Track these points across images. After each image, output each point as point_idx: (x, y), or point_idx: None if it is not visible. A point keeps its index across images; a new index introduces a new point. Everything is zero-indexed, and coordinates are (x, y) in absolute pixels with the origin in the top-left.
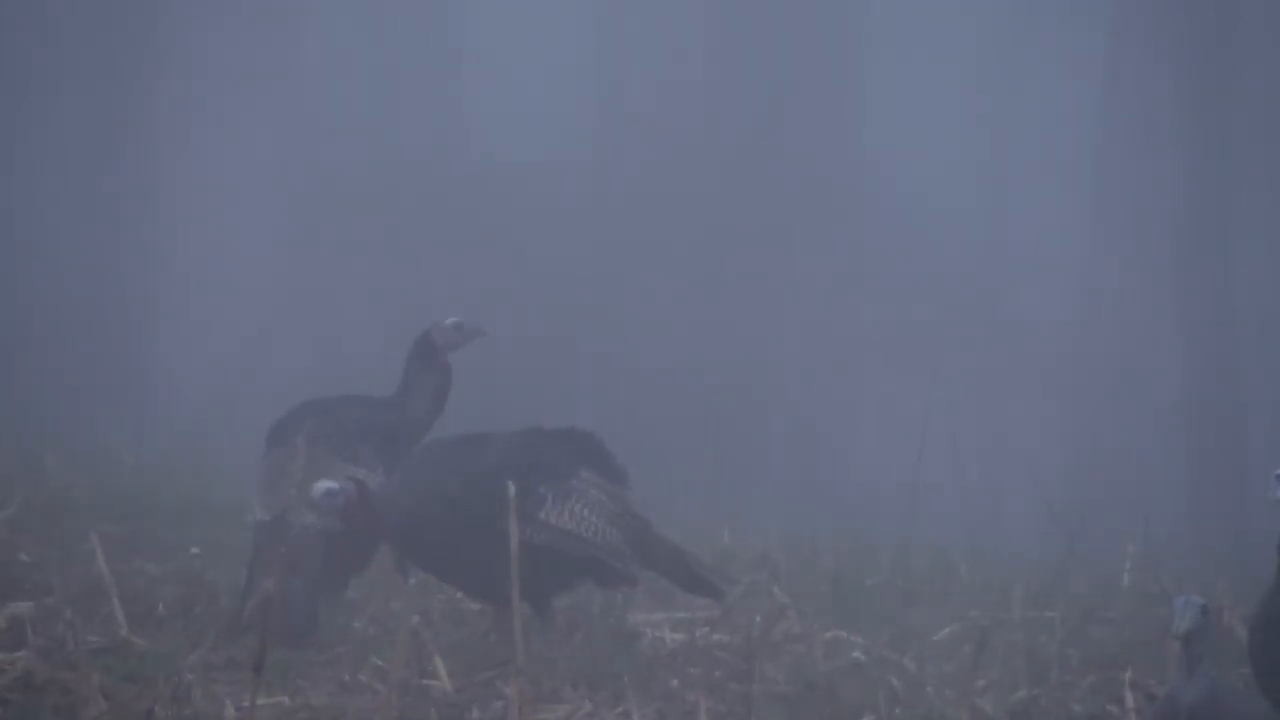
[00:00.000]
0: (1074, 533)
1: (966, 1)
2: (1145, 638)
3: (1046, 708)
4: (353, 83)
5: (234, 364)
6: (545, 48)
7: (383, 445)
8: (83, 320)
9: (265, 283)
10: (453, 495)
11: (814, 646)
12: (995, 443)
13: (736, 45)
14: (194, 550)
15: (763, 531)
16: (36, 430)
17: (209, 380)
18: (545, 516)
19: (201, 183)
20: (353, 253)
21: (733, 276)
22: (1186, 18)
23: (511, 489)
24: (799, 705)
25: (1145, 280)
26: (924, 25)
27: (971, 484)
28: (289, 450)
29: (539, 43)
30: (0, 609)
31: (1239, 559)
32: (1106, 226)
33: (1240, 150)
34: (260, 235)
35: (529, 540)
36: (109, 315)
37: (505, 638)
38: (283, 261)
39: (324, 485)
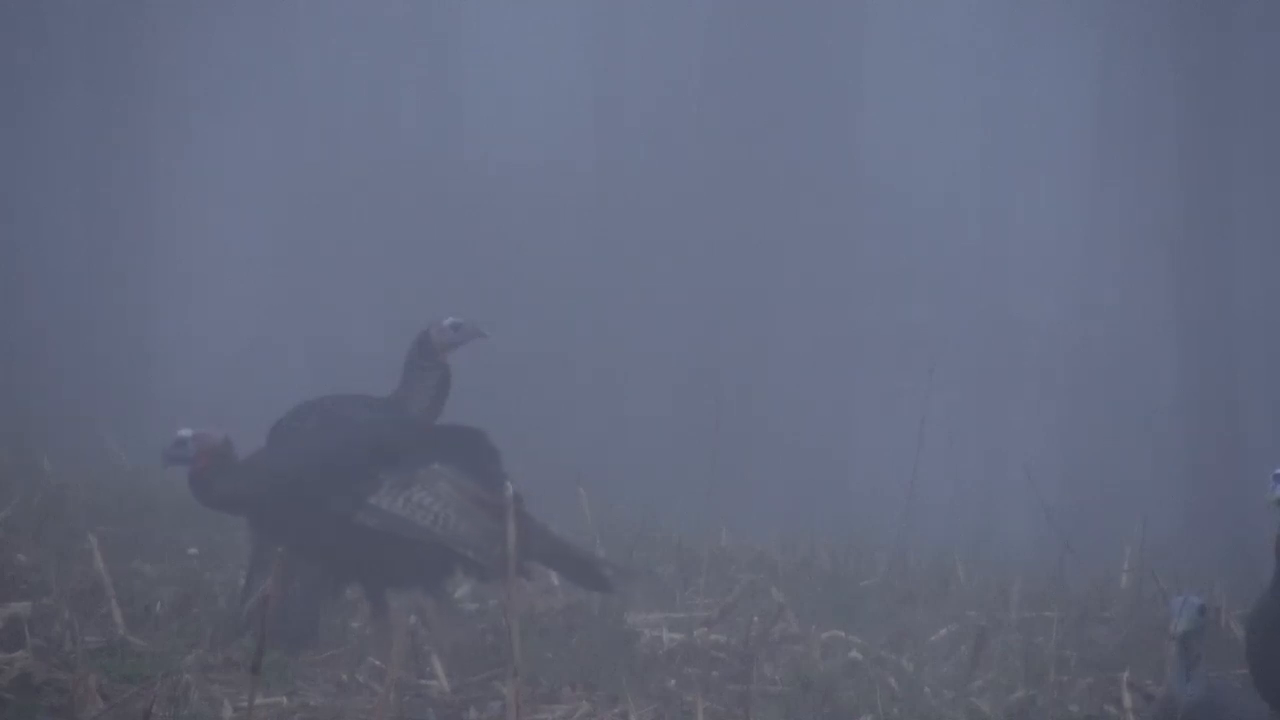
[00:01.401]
0: (1071, 533)
1: (964, 1)
2: (1143, 638)
3: (1044, 708)
4: (352, 83)
5: (233, 365)
6: (545, 49)
7: None
8: (82, 320)
9: (264, 283)
10: (283, 472)
11: (811, 646)
12: (993, 443)
13: (735, 47)
14: (192, 551)
15: (761, 532)
16: (35, 430)
17: (208, 381)
18: (377, 501)
19: (200, 183)
20: (352, 253)
21: (731, 277)
22: (1183, 16)
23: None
24: (796, 705)
25: (1143, 281)
26: (921, 25)
27: (970, 484)
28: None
29: (538, 44)
30: None
31: (1237, 559)
32: (1104, 226)
33: (1238, 149)
34: (259, 235)
35: (361, 523)
36: (108, 315)
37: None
38: (281, 262)
39: (179, 433)
